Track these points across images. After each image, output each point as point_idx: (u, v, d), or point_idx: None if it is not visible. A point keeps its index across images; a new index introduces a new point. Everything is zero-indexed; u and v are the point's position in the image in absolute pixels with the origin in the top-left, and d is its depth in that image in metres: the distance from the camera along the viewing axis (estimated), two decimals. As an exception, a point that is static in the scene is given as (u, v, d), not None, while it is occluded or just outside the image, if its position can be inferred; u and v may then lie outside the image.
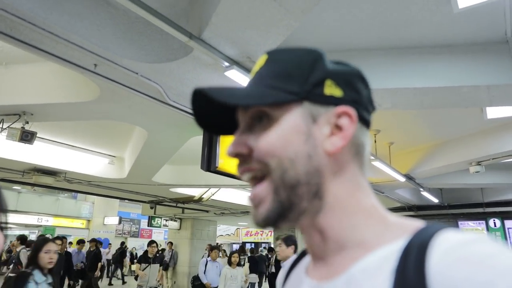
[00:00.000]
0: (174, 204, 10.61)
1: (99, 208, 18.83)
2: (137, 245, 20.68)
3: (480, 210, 12.05)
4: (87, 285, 10.02)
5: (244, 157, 0.52)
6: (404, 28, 3.56)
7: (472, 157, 6.61)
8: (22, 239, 8.41)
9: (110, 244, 16.84)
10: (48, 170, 6.93)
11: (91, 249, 10.32)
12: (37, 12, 2.55)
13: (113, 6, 2.93)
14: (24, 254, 7.82)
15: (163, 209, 11.41)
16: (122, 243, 16.66)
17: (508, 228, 12.50)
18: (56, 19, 2.65)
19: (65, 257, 8.31)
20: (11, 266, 7.56)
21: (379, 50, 3.86)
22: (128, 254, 16.97)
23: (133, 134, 6.29)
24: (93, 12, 2.86)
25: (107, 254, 15.10)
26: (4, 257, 11.89)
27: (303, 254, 0.66)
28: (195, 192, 9.76)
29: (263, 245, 24.71)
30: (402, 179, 7.28)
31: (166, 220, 13.62)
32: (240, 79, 3.31)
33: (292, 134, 0.49)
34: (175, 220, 13.63)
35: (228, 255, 14.33)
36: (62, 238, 8.49)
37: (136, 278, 7.44)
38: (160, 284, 7.38)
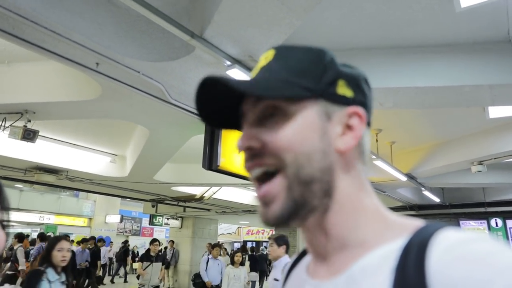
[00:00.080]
0: (176, 203, 10.63)
1: (101, 207, 18.87)
2: (138, 244, 20.72)
3: (482, 209, 12.01)
4: (88, 283, 10.06)
5: (255, 151, 0.51)
6: (406, 27, 3.55)
7: (474, 157, 6.59)
8: (20, 237, 8.42)
9: (111, 242, 16.88)
10: (50, 169, 6.95)
11: (90, 247, 10.36)
12: (40, 11, 2.55)
13: (115, 5, 2.93)
14: (20, 252, 7.82)
15: (164, 207, 11.43)
16: (126, 242, 16.70)
17: (510, 228, 12.45)
18: (58, 17, 2.66)
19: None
20: (8, 264, 7.57)
21: (381, 49, 3.85)
22: (129, 252, 17.01)
23: (134, 133, 6.30)
24: (95, 10, 2.87)
25: (108, 252, 15.15)
26: (4, 254, 11.93)
27: (303, 253, 0.66)
28: (197, 191, 9.76)
29: (264, 244, 24.72)
30: (404, 178, 7.26)
31: (168, 219, 13.65)
32: (242, 78, 3.31)
33: (308, 130, 0.50)
34: (176, 219, 13.66)
35: (228, 253, 14.40)
36: (66, 236, 8.50)
37: (138, 277, 7.44)
38: (162, 281, 7.35)
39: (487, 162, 6.71)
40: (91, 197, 18.69)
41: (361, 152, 0.53)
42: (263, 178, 0.51)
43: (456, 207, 12.31)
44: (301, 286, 0.57)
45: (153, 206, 11.11)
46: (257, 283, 10.67)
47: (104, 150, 7.28)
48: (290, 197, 0.48)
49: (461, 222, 12.99)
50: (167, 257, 12.49)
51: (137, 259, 14.04)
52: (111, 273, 15.42)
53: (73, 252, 9.00)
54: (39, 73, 4.25)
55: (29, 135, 4.59)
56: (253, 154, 0.51)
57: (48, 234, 14.23)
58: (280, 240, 3.83)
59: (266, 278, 13.24)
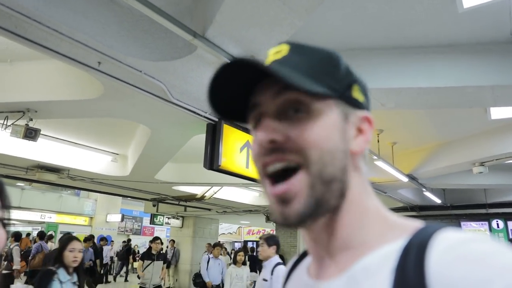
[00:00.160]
0: (177, 202, 10.63)
1: (102, 206, 18.90)
2: (139, 243, 20.76)
3: (483, 211, 11.99)
4: (86, 282, 10.07)
5: (277, 145, 0.48)
6: (409, 28, 3.55)
7: (475, 158, 6.58)
8: (16, 236, 8.43)
9: (112, 241, 16.92)
10: (51, 167, 6.96)
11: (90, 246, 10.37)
12: (42, 10, 2.56)
13: (118, 4, 2.93)
14: (16, 251, 7.81)
15: (165, 207, 11.44)
16: (129, 240, 16.73)
17: (511, 230, 12.43)
18: (61, 17, 2.66)
19: None
20: (5, 263, 7.57)
21: (383, 50, 3.85)
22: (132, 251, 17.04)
23: (136, 132, 6.31)
24: (98, 10, 2.87)
25: (110, 251, 15.18)
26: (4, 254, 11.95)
27: (303, 254, 0.66)
28: (198, 190, 9.77)
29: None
30: (405, 179, 7.25)
31: (169, 218, 13.66)
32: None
33: (333, 129, 0.50)
34: (177, 218, 13.66)
35: (229, 253, 14.39)
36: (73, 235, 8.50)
37: (138, 276, 7.42)
38: (162, 279, 7.31)
39: (488, 163, 6.70)
40: (92, 196, 18.73)
41: (363, 154, 0.55)
42: (280, 175, 0.49)
43: (457, 208, 12.29)
44: (301, 287, 0.57)
45: (154, 206, 11.12)
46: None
47: (106, 149, 7.29)
48: (313, 195, 0.47)
49: (462, 223, 12.97)
50: (168, 256, 12.50)
51: (137, 257, 14.07)
52: (111, 272, 15.45)
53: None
54: (41, 72, 4.26)
55: (31, 134, 4.60)
56: (274, 148, 0.49)
57: (49, 232, 14.27)
58: (270, 240, 3.83)
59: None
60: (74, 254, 2.88)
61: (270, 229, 22.67)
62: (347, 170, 0.50)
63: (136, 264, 14.41)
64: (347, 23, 3.50)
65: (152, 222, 14.07)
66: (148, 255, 6.92)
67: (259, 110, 0.52)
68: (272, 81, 0.50)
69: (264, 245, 3.82)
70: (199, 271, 7.90)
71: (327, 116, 0.50)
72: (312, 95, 0.49)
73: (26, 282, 7.94)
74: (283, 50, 0.53)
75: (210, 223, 14.41)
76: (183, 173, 7.97)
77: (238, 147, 4.43)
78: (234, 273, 5.94)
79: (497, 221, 12.56)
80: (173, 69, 3.39)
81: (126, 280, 15.08)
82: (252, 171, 4.76)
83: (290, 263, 0.69)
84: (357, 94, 0.54)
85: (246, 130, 4.60)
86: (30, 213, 16.93)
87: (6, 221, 0.68)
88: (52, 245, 12.31)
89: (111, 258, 15.37)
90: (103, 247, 12.69)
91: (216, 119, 4.35)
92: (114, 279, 14.68)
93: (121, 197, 15.66)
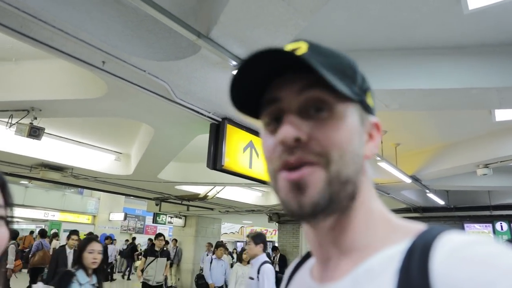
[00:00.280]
0: (179, 202, 10.65)
1: (105, 204, 18.96)
2: (142, 241, 20.82)
3: (487, 213, 11.92)
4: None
5: (301, 144, 0.47)
6: (413, 29, 3.53)
7: (479, 160, 6.54)
8: (13, 234, 8.44)
9: (115, 240, 16.97)
10: (55, 166, 6.99)
11: None
12: (48, 9, 2.57)
13: (122, 4, 2.94)
14: (11, 249, 7.80)
15: (168, 206, 11.47)
16: (134, 238, 16.76)
17: (515, 232, 12.35)
18: (66, 16, 2.67)
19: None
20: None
21: (388, 51, 3.84)
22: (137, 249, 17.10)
23: (139, 131, 6.33)
24: (102, 9, 2.88)
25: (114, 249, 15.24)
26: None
27: (306, 256, 0.66)
28: (200, 190, 9.78)
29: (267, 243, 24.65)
30: (408, 180, 7.23)
31: (171, 217, 13.68)
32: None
33: (354, 132, 0.50)
34: (180, 217, 13.68)
35: (231, 252, 14.36)
36: (77, 232, 8.50)
37: (141, 273, 7.38)
38: (165, 276, 7.26)
39: (493, 165, 6.66)
40: (95, 194, 18.81)
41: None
42: (296, 166, 0.47)
43: (461, 210, 12.23)
44: (304, 289, 0.57)
45: (156, 205, 11.15)
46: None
47: (109, 148, 7.31)
48: (329, 191, 0.47)
49: (465, 225, 12.90)
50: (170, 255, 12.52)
51: (140, 256, 14.09)
52: (114, 270, 15.50)
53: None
54: (46, 71, 4.29)
55: (35, 132, 4.62)
56: (296, 147, 0.47)
57: (52, 231, 14.32)
58: (257, 239, 3.84)
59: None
60: (94, 256, 2.82)
61: (272, 229, 22.67)
62: (360, 174, 0.51)
63: (137, 263, 14.45)
64: (351, 24, 3.49)
65: (154, 221, 14.10)
66: (151, 252, 6.87)
67: (278, 105, 0.50)
68: (295, 77, 0.49)
69: (251, 243, 3.82)
70: (201, 272, 7.83)
71: (350, 118, 0.50)
72: (337, 96, 0.48)
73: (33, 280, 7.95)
74: (302, 47, 0.51)
75: (212, 222, 14.43)
76: (186, 173, 7.98)
77: (241, 147, 4.43)
78: (240, 272, 5.93)
79: (501, 223, 12.48)
80: (177, 69, 3.39)
81: (128, 279, 15.14)
82: (255, 172, 4.75)
83: (292, 265, 0.69)
84: (370, 99, 0.55)
85: (250, 130, 4.60)
86: (34, 211, 17.02)
87: (9, 219, 0.69)
88: (57, 243, 12.37)
89: (115, 256, 15.45)
90: (108, 245, 12.73)
91: (220, 119, 4.35)
92: (122, 277, 14.75)
93: (124, 196, 15.70)
